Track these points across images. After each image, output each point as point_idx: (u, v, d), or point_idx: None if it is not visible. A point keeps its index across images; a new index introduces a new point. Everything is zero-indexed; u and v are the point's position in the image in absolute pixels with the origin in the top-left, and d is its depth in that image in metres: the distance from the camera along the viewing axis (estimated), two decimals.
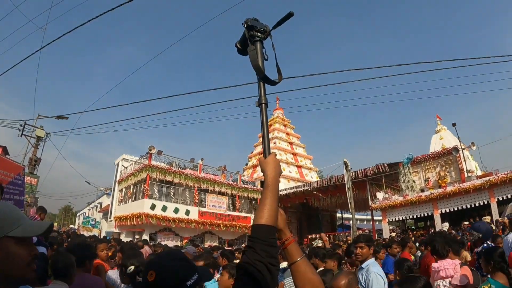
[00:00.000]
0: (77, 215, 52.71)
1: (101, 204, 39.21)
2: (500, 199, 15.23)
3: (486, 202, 15.67)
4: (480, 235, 4.48)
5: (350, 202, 14.44)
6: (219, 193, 23.67)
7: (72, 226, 36.88)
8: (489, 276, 3.00)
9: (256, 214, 1.21)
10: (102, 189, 37.26)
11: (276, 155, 1.36)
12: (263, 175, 1.29)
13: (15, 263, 1.07)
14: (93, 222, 33.08)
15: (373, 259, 3.38)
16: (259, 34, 1.37)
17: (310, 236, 21.65)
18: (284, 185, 26.14)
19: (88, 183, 36.42)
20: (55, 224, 44.39)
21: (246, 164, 32.40)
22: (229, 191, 24.13)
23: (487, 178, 15.92)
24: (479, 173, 19.58)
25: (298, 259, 1.31)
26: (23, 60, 9.66)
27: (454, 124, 20.12)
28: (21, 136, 18.31)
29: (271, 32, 1.38)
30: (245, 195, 25.36)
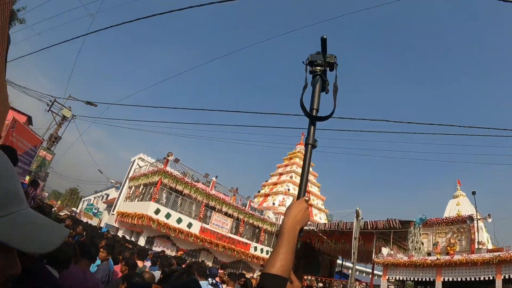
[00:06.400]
0: (82, 199, 53.12)
1: (107, 195, 39.36)
2: (507, 277, 14.31)
3: (491, 278, 14.69)
4: None
5: (353, 252, 14.03)
6: (226, 213, 23.26)
7: (74, 209, 37.12)
8: None
9: (268, 261, 1.11)
10: (113, 181, 37.65)
11: (307, 200, 1.23)
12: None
13: None
14: (96, 211, 33.21)
15: None
16: (318, 68, 1.31)
17: (306, 277, 20.97)
18: None
19: (100, 172, 37.16)
20: (59, 203, 44.54)
21: (259, 192, 31.71)
22: (235, 214, 23.71)
23: (497, 253, 14.97)
24: (490, 246, 18.72)
25: None
26: (67, 40, 9.90)
27: (473, 193, 19.35)
28: (48, 111, 18.70)
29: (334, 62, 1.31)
30: (250, 221, 24.79)
